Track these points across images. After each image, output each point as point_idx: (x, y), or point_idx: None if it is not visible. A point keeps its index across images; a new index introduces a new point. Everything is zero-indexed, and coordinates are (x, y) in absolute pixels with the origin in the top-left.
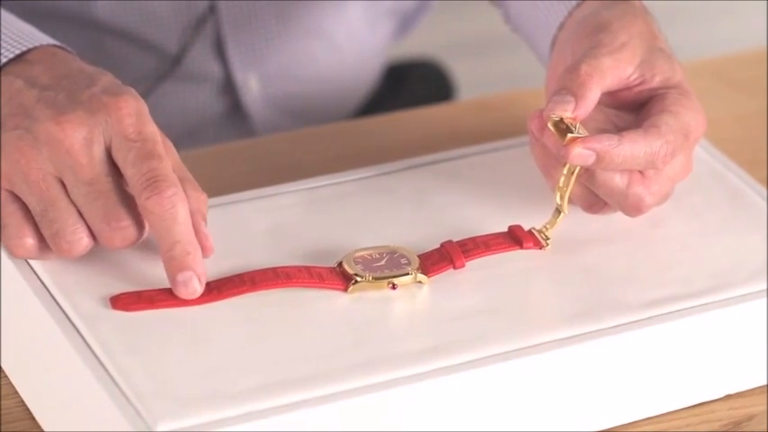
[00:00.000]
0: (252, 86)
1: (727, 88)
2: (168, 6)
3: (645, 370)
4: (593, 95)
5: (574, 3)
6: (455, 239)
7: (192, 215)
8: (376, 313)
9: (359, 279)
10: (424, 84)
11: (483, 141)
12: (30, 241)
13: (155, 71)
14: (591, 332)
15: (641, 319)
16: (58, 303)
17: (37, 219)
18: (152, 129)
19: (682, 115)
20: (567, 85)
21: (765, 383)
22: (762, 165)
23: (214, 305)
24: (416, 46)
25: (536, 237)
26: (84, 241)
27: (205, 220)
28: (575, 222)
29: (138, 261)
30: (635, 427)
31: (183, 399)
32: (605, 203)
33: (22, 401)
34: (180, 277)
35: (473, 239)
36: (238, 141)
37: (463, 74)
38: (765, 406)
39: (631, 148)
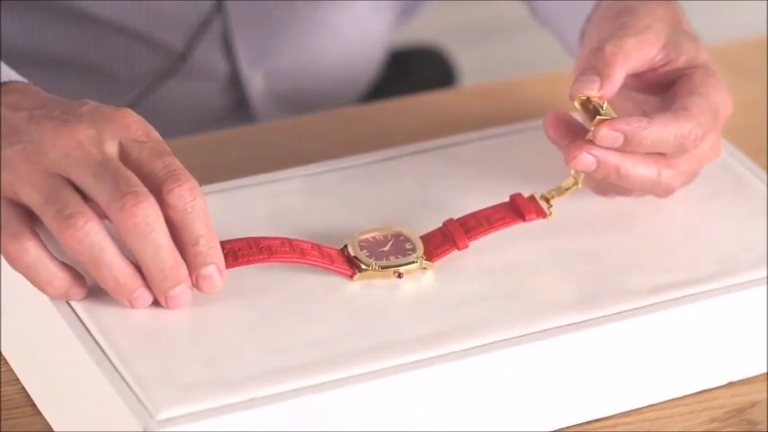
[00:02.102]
0: (257, 82)
1: (732, 74)
2: (174, 5)
3: (648, 356)
4: (618, 75)
5: None
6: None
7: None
8: (380, 299)
9: (365, 267)
10: (427, 70)
11: (486, 127)
12: (31, 242)
13: (160, 68)
14: (594, 318)
15: (645, 306)
16: None
17: (41, 211)
18: (157, 134)
19: (710, 96)
20: (593, 65)
21: None
22: (765, 151)
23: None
24: (419, 32)
25: (538, 205)
26: (84, 218)
27: None
28: (578, 208)
29: None
30: (638, 413)
31: (185, 385)
32: (617, 189)
33: (23, 388)
34: (205, 271)
35: (474, 216)
36: (241, 128)
37: (466, 60)
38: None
39: (661, 130)
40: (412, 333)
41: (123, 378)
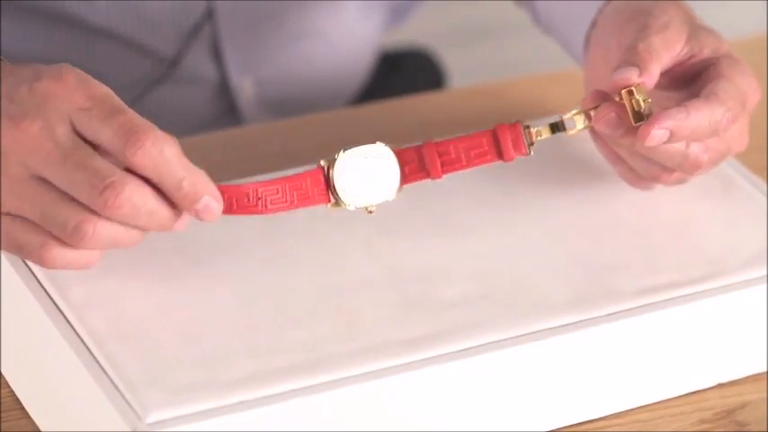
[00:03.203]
0: (247, 89)
1: None
2: (165, 11)
3: (638, 358)
4: (654, 70)
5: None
6: (450, 224)
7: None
8: (369, 301)
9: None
10: (416, 72)
11: (475, 129)
12: (55, 249)
13: (150, 75)
14: (585, 320)
15: (635, 307)
16: (47, 292)
17: (42, 225)
18: (101, 90)
19: (737, 81)
20: (628, 60)
21: (758, 372)
22: (765, 151)
23: (206, 291)
24: (408, 35)
25: (522, 140)
26: (90, 224)
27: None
28: (567, 209)
29: (129, 249)
30: (628, 415)
31: (174, 388)
32: (648, 180)
33: (12, 391)
34: (199, 206)
35: (455, 145)
36: (230, 130)
37: (455, 62)
38: (758, 394)
39: (697, 118)
40: (402, 335)
41: (112, 381)
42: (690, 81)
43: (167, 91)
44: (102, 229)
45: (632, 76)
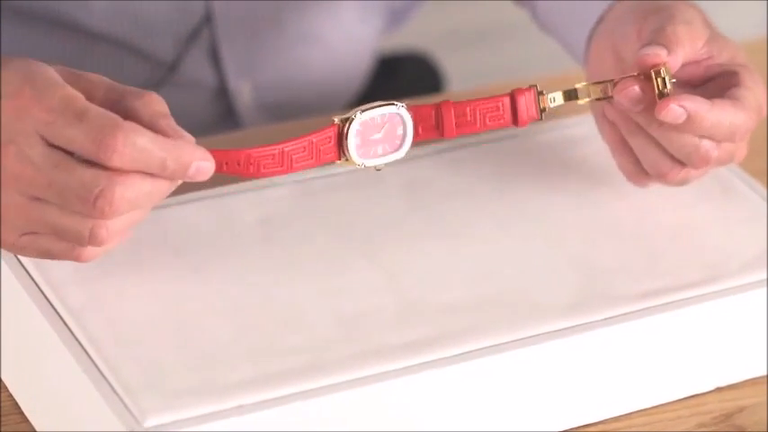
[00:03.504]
0: (245, 93)
1: None
2: (164, 15)
3: (637, 362)
4: (680, 54)
5: None
6: (448, 229)
7: (154, 122)
8: (368, 304)
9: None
10: (414, 76)
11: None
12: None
13: (149, 79)
14: (583, 324)
15: (634, 311)
16: (46, 297)
17: (60, 237)
18: (58, 94)
19: (756, 93)
20: (656, 41)
21: (756, 376)
22: (765, 154)
23: (204, 295)
24: (406, 38)
25: (536, 104)
26: (101, 228)
27: (167, 117)
28: (566, 213)
29: (127, 254)
30: (627, 419)
31: (172, 393)
32: (650, 176)
33: (12, 395)
34: (190, 172)
35: (472, 107)
36: (228, 134)
37: (453, 65)
38: (756, 398)
39: (719, 115)
40: (401, 339)
41: (110, 385)
42: (700, 83)
43: (165, 95)
44: (114, 226)
45: (661, 53)
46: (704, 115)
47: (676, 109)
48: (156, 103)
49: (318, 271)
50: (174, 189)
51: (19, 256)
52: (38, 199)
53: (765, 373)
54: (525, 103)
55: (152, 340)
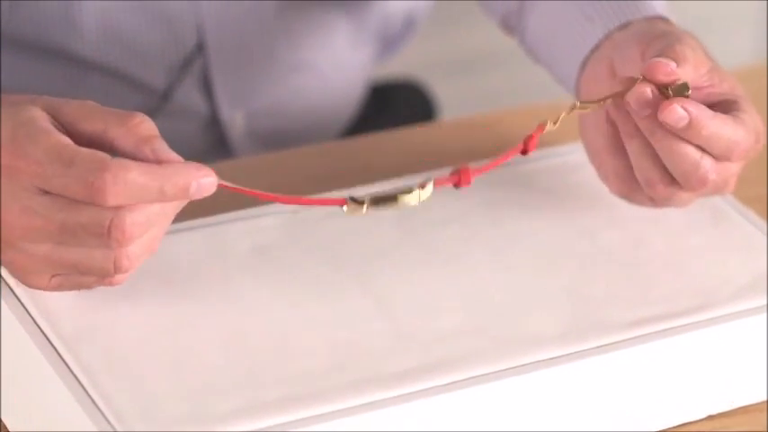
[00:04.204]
0: (237, 122)
1: None
2: (156, 44)
3: (629, 390)
4: (689, 69)
5: (612, 26)
6: (442, 257)
7: (138, 151)
8: (360, 333)
9: (358, 200)
10: (407, 104)
11: (467, 161)
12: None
13: (141, 108)
14: (576, 352)
15: (626, 339)
16: (39, 326)
17: (86, 274)
18: (42, 145)
19: (755, 119)
20: (664, 54)
21: (748, 403)
22: (765, 183)
23: (196, 324)
24: (398, 67)
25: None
26: (124, 259)
27: (153, 140)
28: (558, 241)
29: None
30: None
31: (164, 421)
32: (641, 192)
33: (4, 424)
34: (191, 192)
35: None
36: (219, 163)
37: (445, 94)
38: (748, 426)
39: (720, 127)
40: (393, 367)
41: (102, 413)
42: None
43: (158, 124)
44: (136, 250)
45: (671, 64)
46: (706, 123)
47: (679, 110)
48: (139, 128)
49: (311, 299)
50: (185, 203)
51: (10, 284)
52: (57, 243)
53: (757, 401)
54: (534, 142)
55: (145, 370)
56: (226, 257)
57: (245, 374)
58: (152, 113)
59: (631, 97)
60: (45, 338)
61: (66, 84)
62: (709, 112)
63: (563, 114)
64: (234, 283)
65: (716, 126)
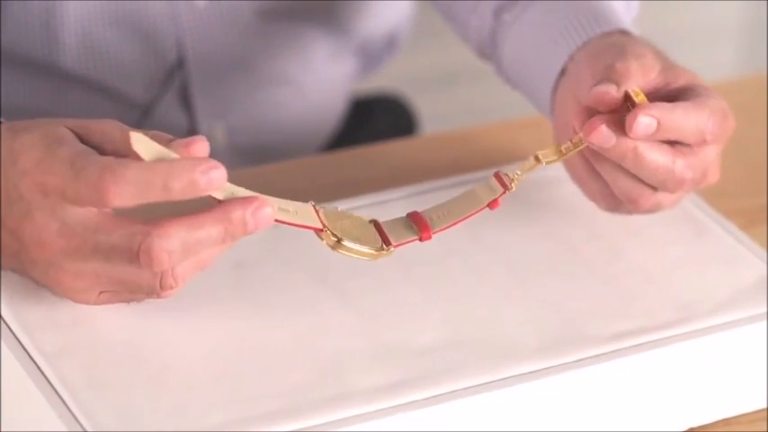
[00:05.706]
0: (217, 136)
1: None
2: (137, 59)
3: (609, 403)
4: (631, 86)
5: (574, 47)
6: (422, 271)
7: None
8: (342, 348)
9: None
10: (388, 118)
11: (447, 175)
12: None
13: (123, 122)
14: (557, 365)
15: (607, 352)
16: (19, 341)
17: (134, 293)
18: (57, 157)
19: (719, 101)
20: (606, 77)
21: (728, 416)
22: (765, 194)
23: (179, 339)
24: (379, 81)
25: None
26: (168, 277)
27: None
28: (538, 255)
29: None
30: None
31: None
32: (621, 202)
33: None
34: (202, 186)
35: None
36: None
37: (426, 108)
38: None
39: (683, 115)
40: (375, 382)
41: (85, 430)
42: None
43: None
44: (181, 271)
45: (611, 90)
46: (671, 117)
47: (645, 120)
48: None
49: (293, 314)
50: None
51: None
52: (104, 260)
53: (736, 414)
54: (498, 204)
55: (126, 385)
56: (207, 272)
57: (227, 389)
58: (133, 127)
59: (591, 137)
60: (25, 353)
61: (49, 97)
62: (667, 105)
63: (523, 175)
64: (215, 299)
65: (680, 117)
